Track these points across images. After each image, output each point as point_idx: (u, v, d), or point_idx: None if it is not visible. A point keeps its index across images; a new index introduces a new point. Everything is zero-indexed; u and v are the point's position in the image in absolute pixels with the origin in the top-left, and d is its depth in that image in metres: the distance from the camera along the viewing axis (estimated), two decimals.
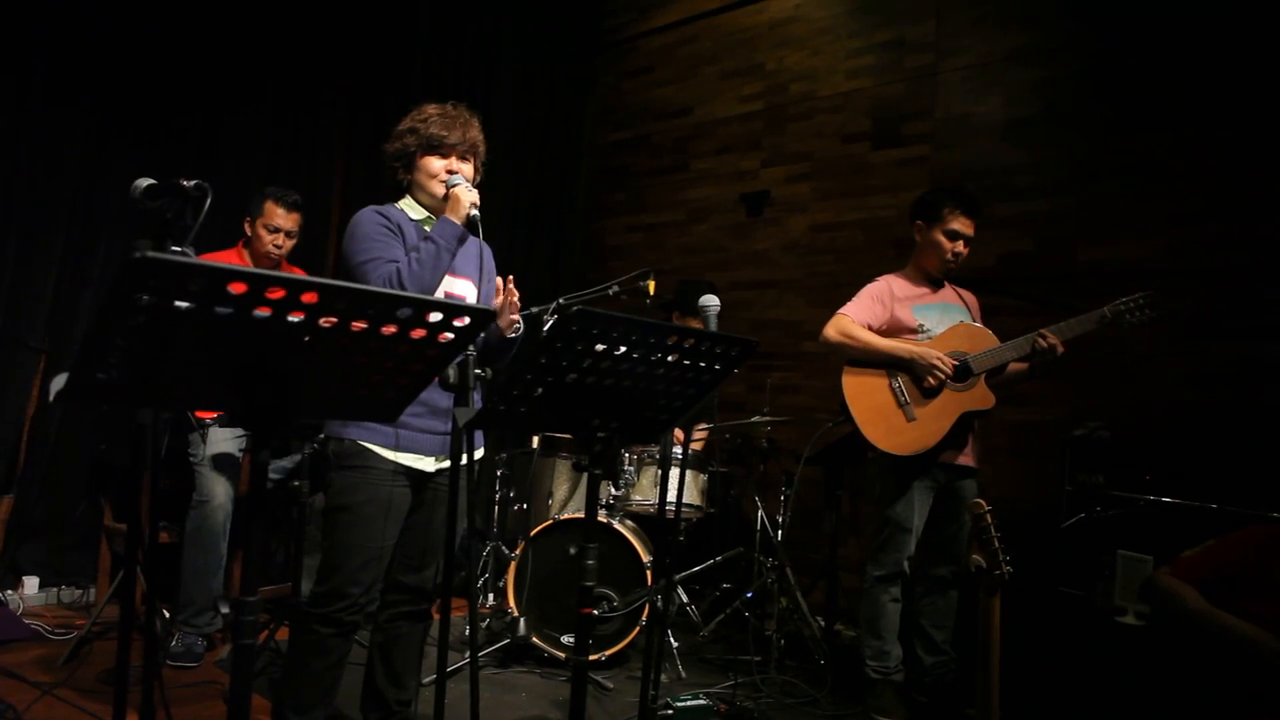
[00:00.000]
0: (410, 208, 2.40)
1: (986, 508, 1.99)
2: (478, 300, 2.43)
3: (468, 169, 2.39)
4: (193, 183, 1.59)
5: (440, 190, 2.33)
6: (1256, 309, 3.58)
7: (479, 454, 2.45)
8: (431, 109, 2.38)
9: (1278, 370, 3.49)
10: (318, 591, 2.28)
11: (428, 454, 2.33)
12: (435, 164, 2.34)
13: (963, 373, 3.10)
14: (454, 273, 2.37)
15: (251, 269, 1.06)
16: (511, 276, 2.36)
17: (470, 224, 2.27)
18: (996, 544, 1.96)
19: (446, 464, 2.36)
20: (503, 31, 5.69)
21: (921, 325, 3.23)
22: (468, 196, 2.28)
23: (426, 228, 2.36)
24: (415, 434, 2.28)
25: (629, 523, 3.69)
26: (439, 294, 2.32)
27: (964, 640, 3.23)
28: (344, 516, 2.26)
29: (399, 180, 2.42)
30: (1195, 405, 3.64)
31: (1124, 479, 3.34)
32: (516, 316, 2.36)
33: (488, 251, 2.52)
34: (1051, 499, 3.52)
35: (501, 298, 2.32)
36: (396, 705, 2.43)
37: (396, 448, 2.27)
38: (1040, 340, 3.01)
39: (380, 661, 2.44)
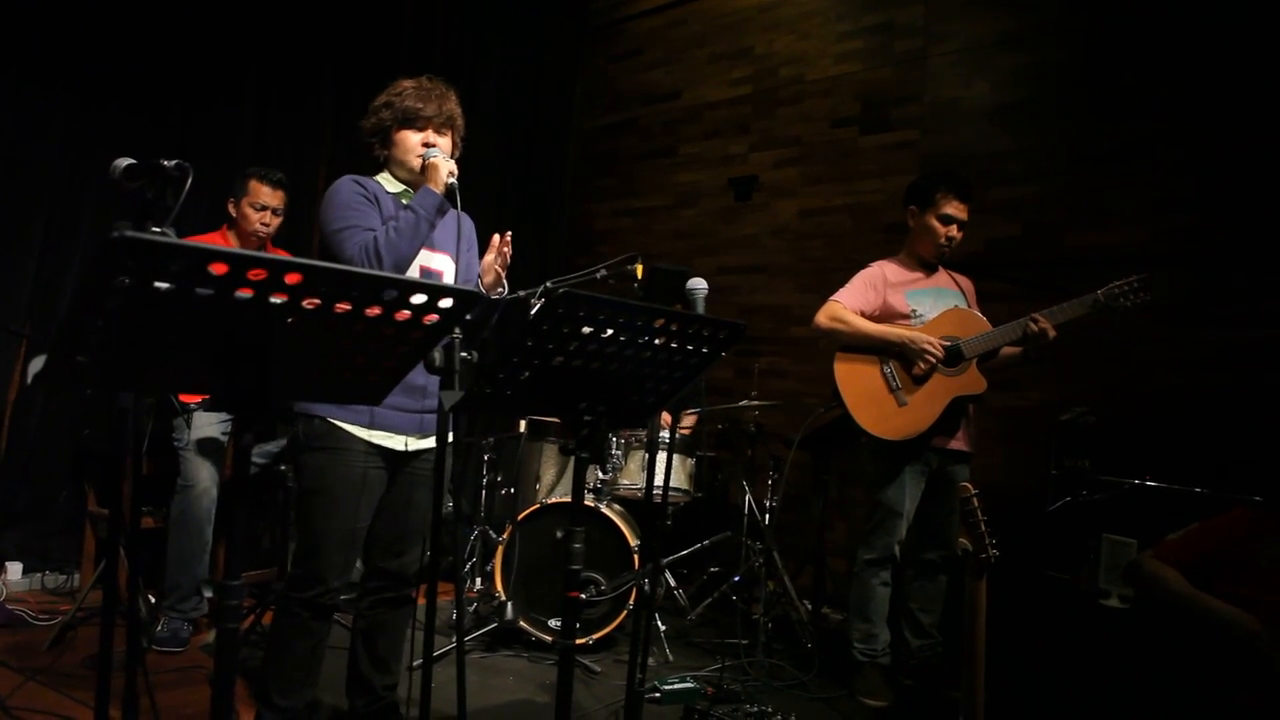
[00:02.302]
0: (388, 182, 2.37)
1: (973, 491, 2.00)
2: (456, 275, 2.38)
3: (445, 142, 2.35)
4: (173, 163, 1.56)
5: (418, 164, 2.29)
6: (1242, 295, 3.60)
7: (450, 436, 2.42)
8: (407, 83, 2.34)
9: (1262, 356, 3.51)
10: (295, 574, 2.26)
11: (402, 432, 2.29)
12: (412, 138, 2.31)
13: (954, 357, 3.10)
14: (432, 247, 2.33)
15: (232, 249, 1.04)
16: (510, 232, 2.32)
17: (449, 194, 2.23)
18: (983, 527, 1.96)
19: (422, 444, 2.34)
20: (490, 14, 5.64)
21: (914, 310, 3.23)
22: (446, 166, 2.24)
23: (404, 201, 2.32)
24: (389, 412, 2.23)
25: (616, 507, 3.69)
26: (415, 268, 2.28)
27: (950, 623, 3.25)
28: (318, 500, 2.22)
29: (376, 156, 2.38)
30: (1181, 390, 3.66)
31: (1110, 463, 3.36)
32: (502, 272, 2.31)
33: (468, 222, 2.48)
34: (1038, 483, 3.54)
35: (493, 253, 2.29)
36: (383, 690, 2.43)
37: (371, 426, 2.23)
38: (1032, 324, 3.02)
39: (364, 648, 2.43)
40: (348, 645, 2.50)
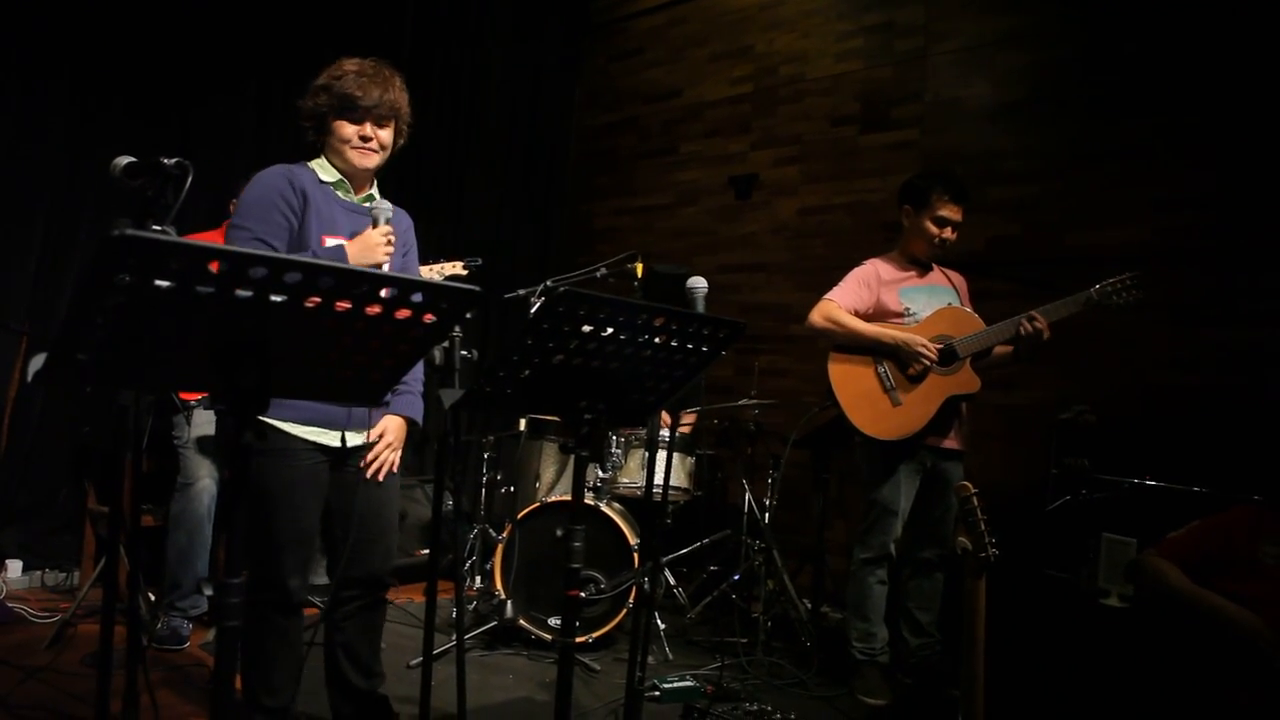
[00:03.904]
0: (322, 169, 2.25)
1: (973, 490, 2.00)
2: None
3: (385, 134, 2.24)
4: (173, 161, 1.56)
5: (353, 158, 2.20)
6: (1242, 294, 3.60)
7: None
8: (349, 65, 2.21)
9: (1261, 355, 3.51)
10: (254, 579, 2.14)
11: (336, 427, 2.19)
12: (348, 129, 2.19)
13: (948, 356, 3.10)
14: None
15: (233, 248, 1.04)
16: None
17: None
18: (982, 526, 1.96)
19: (358, 440, 2.25)
20: (491, 13, 5.64)
21: (908, 309, 3.22)
22: (383, 250, 2.15)
23: (339, 192, 2.24)
24: (320, 406, 2.12)
25: (616, 505, 3.69)
26: None
27: (950, 622, 3.25)
28: (263, 503, 2.11)
29: (311, 142, 2.27)
30: (1181, 389, 3.66)
31: (1109, 462, 3.36)
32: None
33: (405, 220, 2.38)
34: (1037, 482, 3.54)
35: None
36: (371, 692, 2.37)
37: (311, 422, 2.15)
38: (1026, 324, 3.01)
39: (346, 658, 2.33)
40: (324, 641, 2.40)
